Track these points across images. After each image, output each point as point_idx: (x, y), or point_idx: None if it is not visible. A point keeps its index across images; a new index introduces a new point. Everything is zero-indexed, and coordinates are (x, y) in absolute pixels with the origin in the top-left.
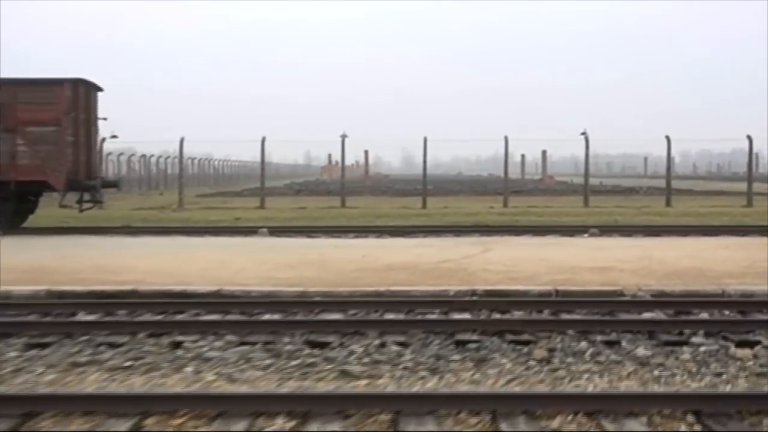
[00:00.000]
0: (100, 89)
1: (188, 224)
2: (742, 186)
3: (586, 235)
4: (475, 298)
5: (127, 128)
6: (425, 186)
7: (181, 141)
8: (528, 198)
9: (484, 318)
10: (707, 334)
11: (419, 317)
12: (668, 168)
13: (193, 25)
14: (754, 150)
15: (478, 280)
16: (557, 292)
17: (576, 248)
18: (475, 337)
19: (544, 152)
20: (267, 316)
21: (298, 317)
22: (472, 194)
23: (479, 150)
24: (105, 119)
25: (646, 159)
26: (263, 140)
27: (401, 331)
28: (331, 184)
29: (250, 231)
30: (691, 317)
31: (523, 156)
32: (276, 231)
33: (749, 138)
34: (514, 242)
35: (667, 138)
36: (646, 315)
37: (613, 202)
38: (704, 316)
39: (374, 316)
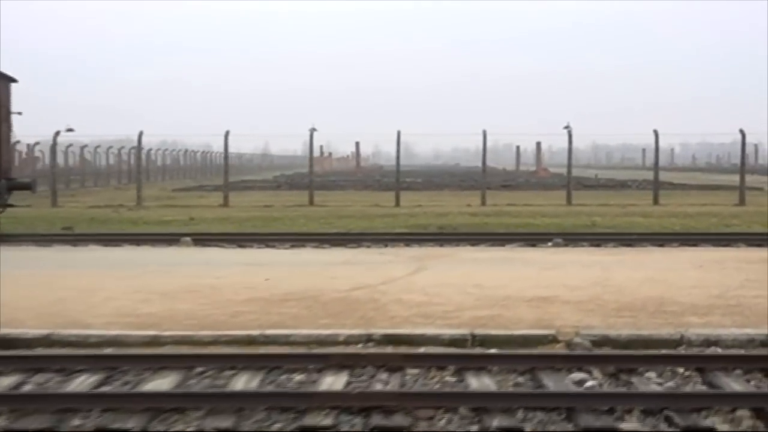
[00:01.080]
0: (13, 80)
1: (131, 227)
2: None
3: (549, 244)
4: (370, 345)
5: (126, 119)
6: (398, 182)
7: (140, 135)
8: (513, 193)
9: (350, 390)
10: (645, 413)
11: (273, 386)
12: (656, 164)
13: (193, 18)
14: (755, 141)
15: (383, 319)
16: (473, 337)
17: (526, 267)
18: (329, 421)
19: (538, 144)
20: (71, 385)
21: (107, 388)
22: (458, 189)
23: (479, 141)
24: (20, 113)
25: (644, 151)
26: (226, 134)
27: (235, 410)
28: (321, 176)
29: (173, 240)
30: (631, 382)
31: (517, 147)
32: (204, 239)
33: (742, 132)
34: (462, 256)
35: (655, 132)
36: (574, 377)
37: (601, 198)
38: (650, 377)
39: (222, 380)
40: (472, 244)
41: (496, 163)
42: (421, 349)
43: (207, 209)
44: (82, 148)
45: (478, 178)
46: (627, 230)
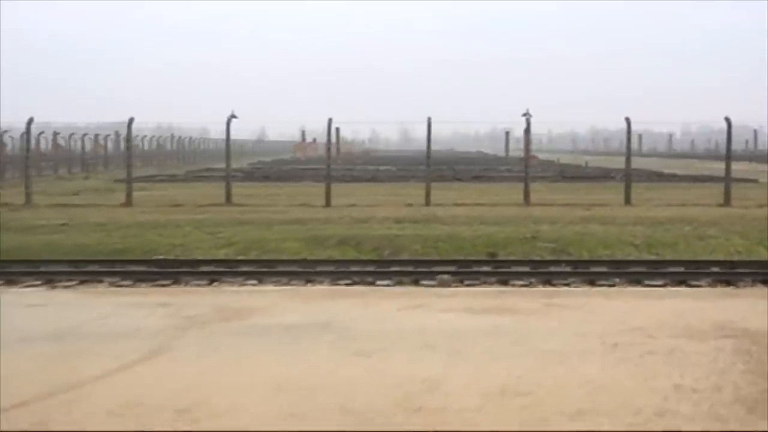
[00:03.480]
0: None
1: None
2: (737, 167)
3: (434, 282)
4: None
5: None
6: (329, 177)
7: (29, 122)
8: (479, 186)
9: None
10: None
11: None
12: (628, 157)
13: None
14: (755, 126)
15: None
16: None
17: (333, 346)
18: None
19: (526, 130)
20: None
21: None
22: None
23: (477, 126)
24: None
25: (640, 136)
26: (130, 121)
27: None
28: (302, 164)
29: None
30: None
31: (506, 133)
32: None
33: (727, 120)
34: (269, 317)
35: (627, 120)
36: None
37: (571, 194)
38: None
39: None
40: (333, 282)
41: (493, 149)
42: None
43: (102, 210)
44: (55, 134)
45: (459, 165)
46: (571, 247)
